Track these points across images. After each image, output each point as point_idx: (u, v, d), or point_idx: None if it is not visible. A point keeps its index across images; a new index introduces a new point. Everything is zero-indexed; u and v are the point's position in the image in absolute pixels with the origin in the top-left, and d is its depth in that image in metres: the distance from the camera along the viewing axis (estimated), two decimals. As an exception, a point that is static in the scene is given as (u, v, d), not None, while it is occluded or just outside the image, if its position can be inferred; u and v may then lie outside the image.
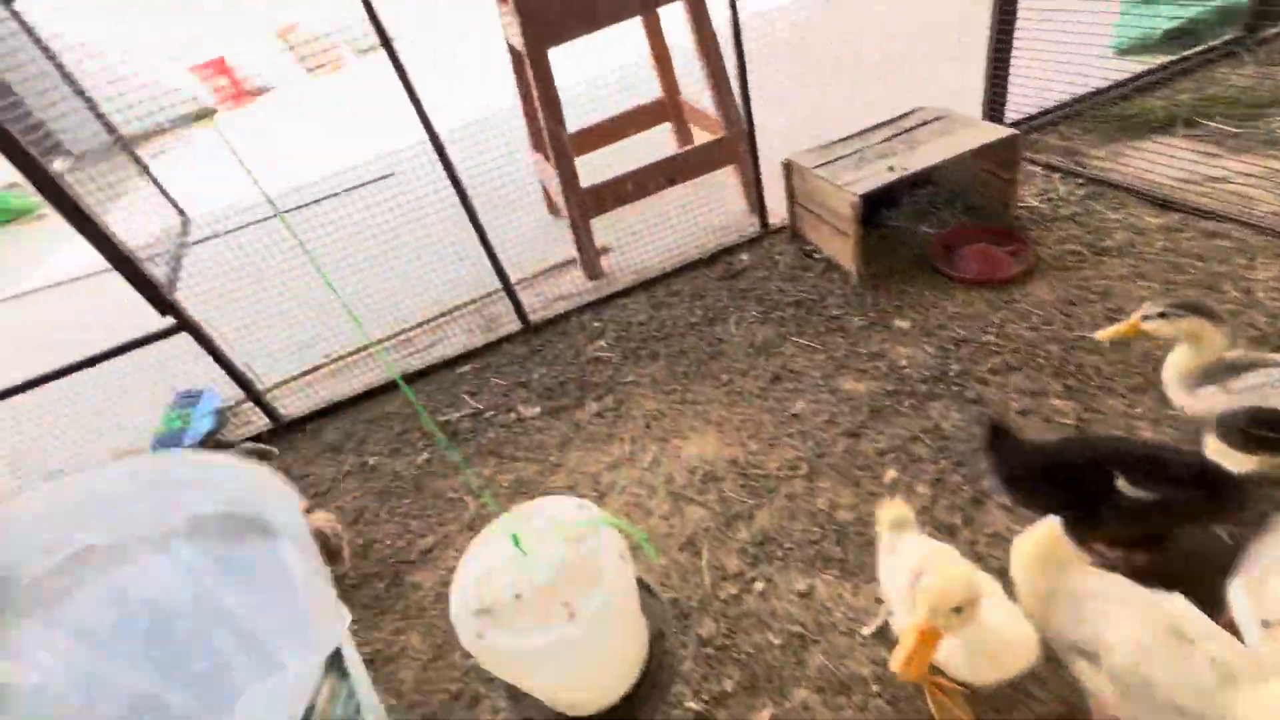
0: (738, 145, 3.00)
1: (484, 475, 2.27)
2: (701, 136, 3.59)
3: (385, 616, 1.91)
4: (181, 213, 3.69)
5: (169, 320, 2.45)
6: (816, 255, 2.80)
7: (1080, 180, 2.70)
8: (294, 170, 5.87)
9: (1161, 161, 2.56)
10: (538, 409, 2.48)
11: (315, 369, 3.18)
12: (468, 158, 2.60)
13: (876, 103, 3.27)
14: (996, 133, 2.39)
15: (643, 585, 1.30)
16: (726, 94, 2.96)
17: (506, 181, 2.87)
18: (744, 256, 2.96)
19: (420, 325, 3.27)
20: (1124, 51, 3.54)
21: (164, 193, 3.44)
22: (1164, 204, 2.43)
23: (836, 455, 1.92)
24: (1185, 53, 3.24)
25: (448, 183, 2.52)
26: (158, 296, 2.40)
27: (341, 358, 3.20)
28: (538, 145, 3.65)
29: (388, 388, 2.87)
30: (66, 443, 2.95)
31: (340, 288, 2.79)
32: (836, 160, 2.60)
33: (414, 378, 2.88)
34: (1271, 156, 2.48)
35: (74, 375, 2.46)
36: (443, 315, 3.28)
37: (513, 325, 2.97)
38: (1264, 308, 1.93)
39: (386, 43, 2.17)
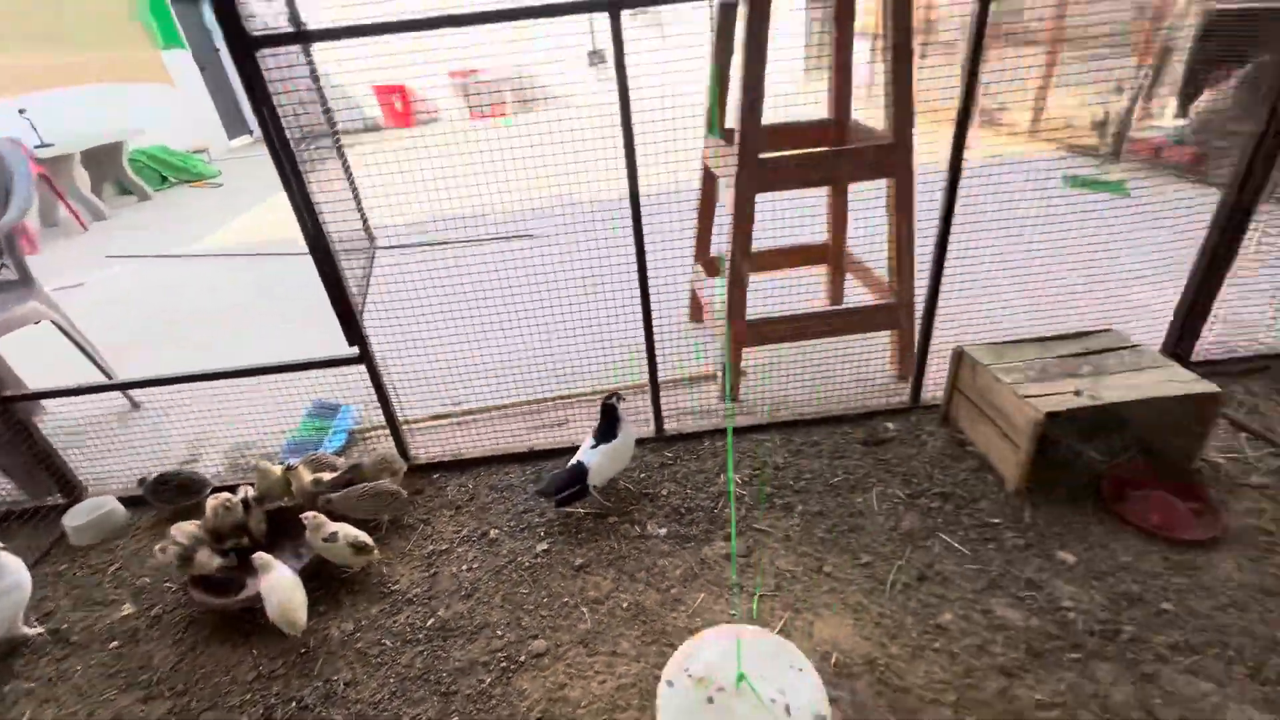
0: (902, 315, 3.03)
1: (602, 589, 2.25)
2: (860, 290, 3.66)
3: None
4: (370, 235, 3.97)
5: (353, 350, 2.62)
6: (969, 447, 2.73)
7: (1273, 449, 2.56)
8: (439, 205, 6.32)
9: (1372, 456, 2.41)
10: (664, 530, 2.47)
11: (450, 416, 3.30)
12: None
13: (1055, 306, 3.25)
14: (1199, 386, 2.32)
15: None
16: (907, 265, 3.01)
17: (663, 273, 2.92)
18: (890, 426, 2.92)
19: (556, 399, 3.37)
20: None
21: (359, 208, 3.67)
22: (1374, 505, 2.25)
23: (988, 693, 1.80)
24: (1395, 337, 3.09)
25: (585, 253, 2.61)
26: (354, 326, 2.58)
27: (483, 410, 3.31)
28: (699, 255, 3.81)
29: (518, 458, 2.94)
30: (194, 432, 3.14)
31: (483, 339, 2.89)
32: (1015, 365, 2.57)
33: (538, 456, 2.94)
34: None
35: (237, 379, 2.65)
36: (576, 396, 3.38)
37: (646, 430, 3.01)
38: None
39: (625, 98, 2.24)
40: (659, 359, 2.89)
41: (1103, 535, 2.26)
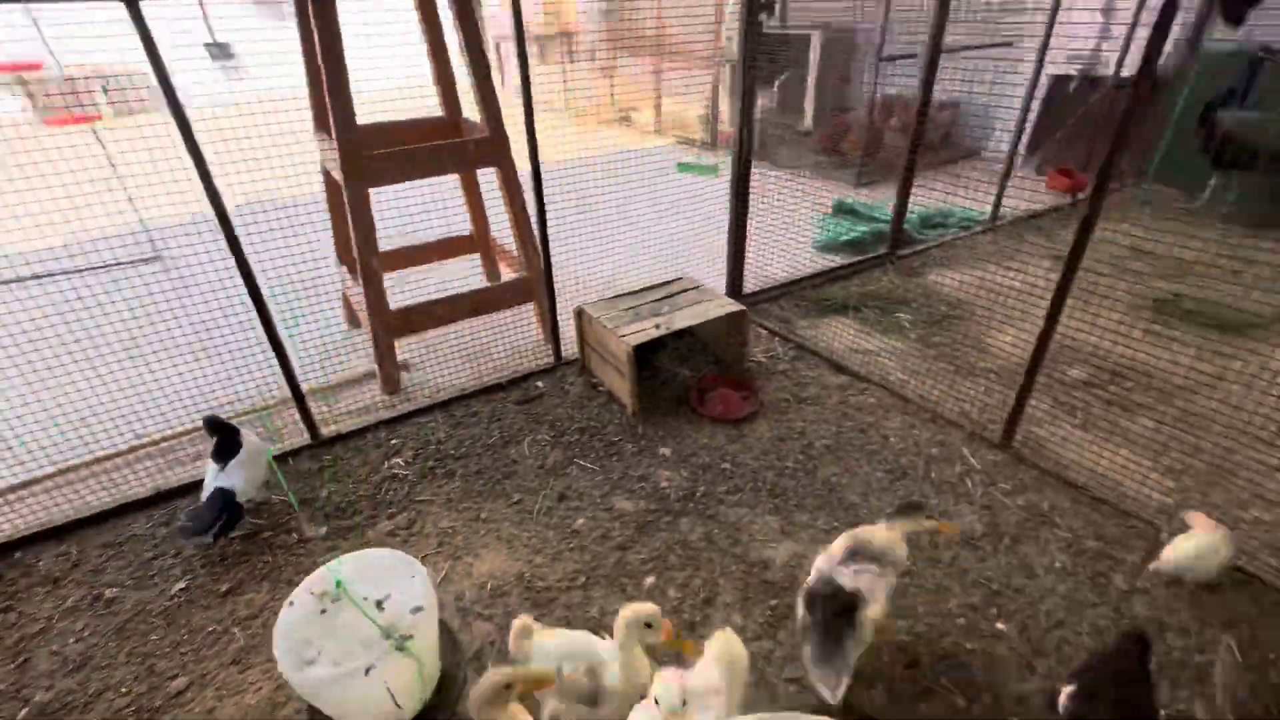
0: (536, 286, 3.46)
1: (255, 604, 2.16)
2: (508, 271, 4.02)
3: (115, 778, 1.69)
4: None
5: None
6: (601, 388, 3.29)
7: (791, 344, 3.64)
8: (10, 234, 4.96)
9: (839, 335, 3.61)
10: (324, 529, 2.46)
11: (38, 481, 2.71)
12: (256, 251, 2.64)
13: (651, 263, 4.04)
14: (731, 307, 3.19)
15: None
16: (529, 242, 3.44)
17: (302, 281, 2.89)
18: (539, 384, 3.33)
19: (183, 434, 3.01)
20: (823, 249, 4.89)
21: None
22: (840, 368, 3.40)
23: (608, 567, 2.27)
24: (855, 258, 4.61)
25: (226, 273, 2.51)
26: None
27: (85, 465, 2.78)
28: (343, 257, 3.74)
29: (136, 505, 2.57)
30: None
31: (76, 384, 2.53)
32: (617, 313, 3.17)
33: (169, 496, 2.63)
34: (895, 339, 3.64)
35: None
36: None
37: (300, 439, 2.91)
38: (892, 447, 2.81)
39: (173, 99, 2.12)
40: (311, 368, 2.87)
41: (690, 430, 2.97)
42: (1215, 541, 2.03)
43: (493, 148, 3.10)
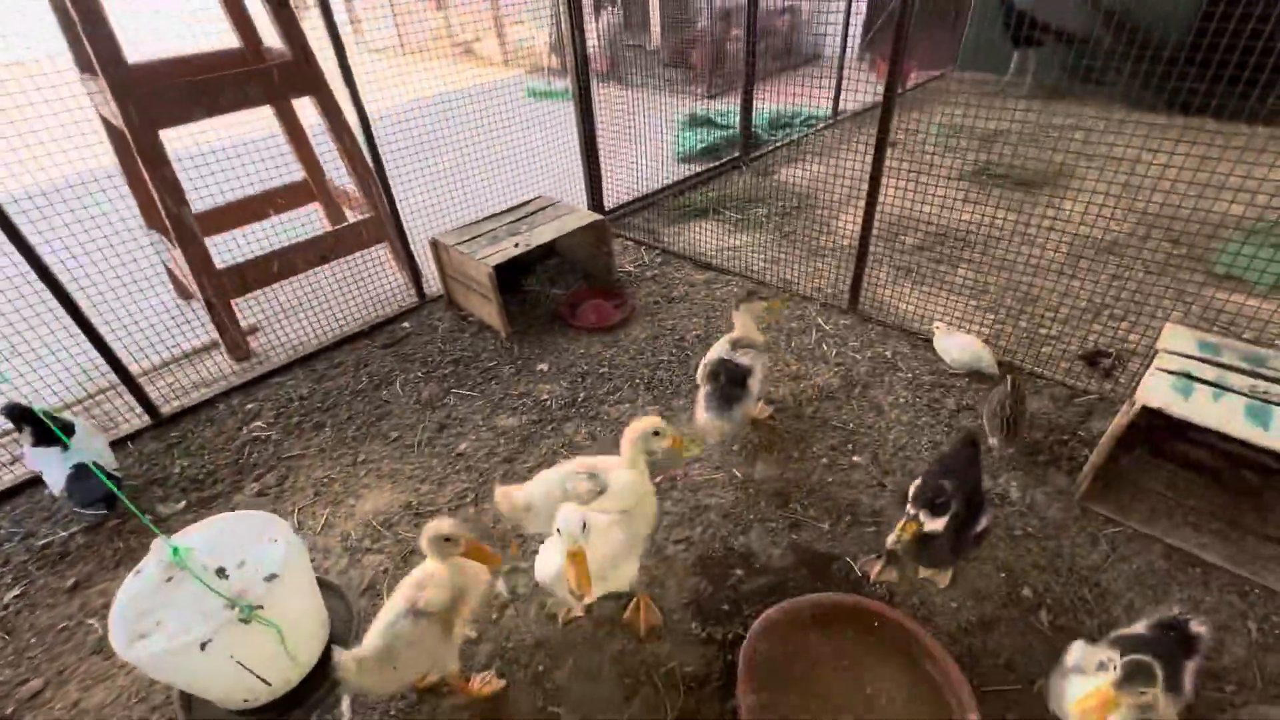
0: (385, 225, 3.26)
1: (110, 592, 1.98)
2: (355, 216, 3.74)
3: (-30, 793, 1.53)
4: None
5: None
6: (470, 318, 3.20)
7: (658, 250, 3.70)
8: None
9: (702, 237, 3.72)
10: (182, 504, 2.27)
11: None
12: (49, 231, 2.31)
13: (503, 191, 3.91)
14: (590, 217, 3.17)
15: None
16: (367, 179, 3.20)
17: (110, 258, 2.59)
18: (405, 324, 3.19)
19: (-9, 441, 2.62)
20: (681, 160, 4.94)
21: None
22: (705, 265, 3.51)
23: (497, 479, 2.28)
24: (711, 164, 4.71)
25: (13, 263, 2.19)
26: None
27: None
28: (153, 222, 3.32)
29: (-58, 524, 2.24)
30: None
31: None
32: (474, 239, 3.07)
33: (-12, 504, 2.32)
34: (753, 234, 3.81)
35: None
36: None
37: (138, 421, 2.63)
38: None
39: None
40: (146, 348, 2.63)
41: (565, 343, 2.98)
42: (956, 335, 2.58)
43: (300, 73, 2.81)
